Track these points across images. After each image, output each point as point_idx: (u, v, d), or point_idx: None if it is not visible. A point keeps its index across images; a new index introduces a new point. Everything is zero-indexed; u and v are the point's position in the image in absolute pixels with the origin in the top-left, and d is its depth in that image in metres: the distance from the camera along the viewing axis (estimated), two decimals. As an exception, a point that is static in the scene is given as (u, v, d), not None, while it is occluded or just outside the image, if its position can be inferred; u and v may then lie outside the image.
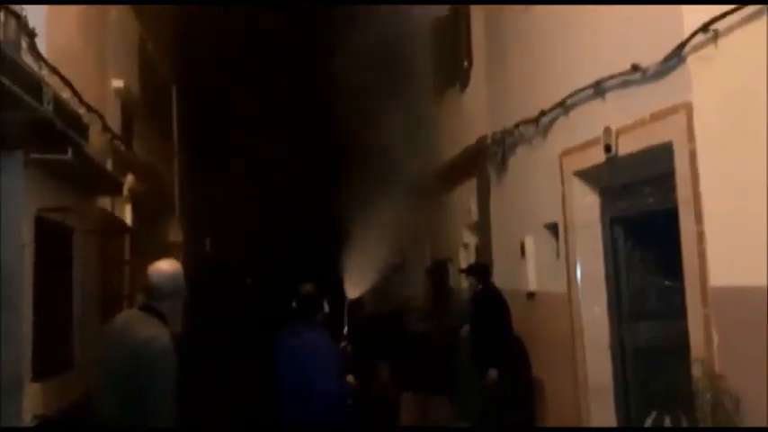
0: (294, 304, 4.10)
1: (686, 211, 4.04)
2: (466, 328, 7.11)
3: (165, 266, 3.38)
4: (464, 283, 8.34)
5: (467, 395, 7.63)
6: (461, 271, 7.82)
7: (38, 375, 4.51)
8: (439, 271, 9.98)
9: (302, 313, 4.10)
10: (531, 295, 6.61)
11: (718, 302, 3.87)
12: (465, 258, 8.79)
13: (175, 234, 10.98)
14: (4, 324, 3.77)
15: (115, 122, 7.08)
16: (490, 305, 6.71)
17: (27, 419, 4.19)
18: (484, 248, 7.97)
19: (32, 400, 4.34)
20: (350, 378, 4.31)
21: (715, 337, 3.87)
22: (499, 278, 7.07)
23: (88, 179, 5.29)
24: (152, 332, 3.17)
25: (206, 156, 12.94)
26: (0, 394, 3.84)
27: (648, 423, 3.91)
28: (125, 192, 7.28)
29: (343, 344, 4.51)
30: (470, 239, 8.75)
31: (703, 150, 3.91)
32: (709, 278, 3.90)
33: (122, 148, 7.33)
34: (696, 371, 3.88)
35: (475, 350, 6.81)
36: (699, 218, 3.93)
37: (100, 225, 6.23)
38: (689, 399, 3.90)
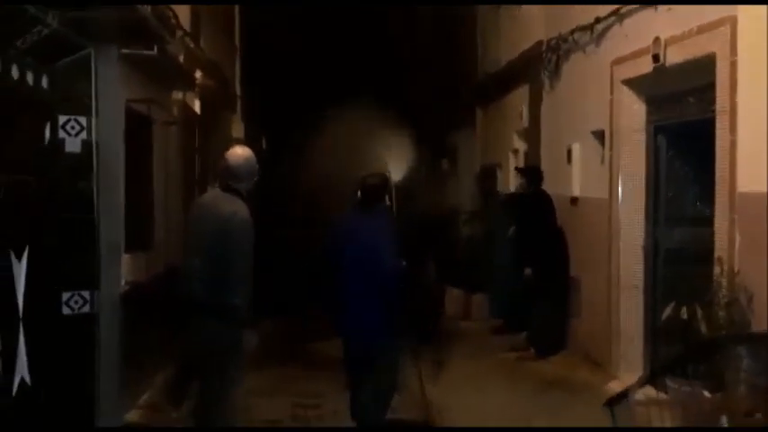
0: (359, 194, 4.26)
1: (722, 121, 4.28)
2: (513, 230, 7.48)
3: (241, 152, 3.89)
4: (512, 186, 8.66)
5: (503, 294, 8.16)
6: (516, 169, 8.12)
7: (127, 248, 5.13)
8: (487, 176, 10.31)
9: (365, 203, 4.25)
10: (573, 200, 6.94)
11: (745, 207, 4.17)
12: (514, 164, 9.05)
13: (237, 130, 11.52)
14: (105, 198, 4.34)
15: (185, 20, 7.43)
16: (538, 204, 7.06)
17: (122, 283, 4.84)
18: (532, 154, 8.23)
19: (123, 269, 4.97)
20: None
21: (737, 239, 4.21)
22: (545, 183, 7.35)
23: (168, 74, 5.77)
24: (234, 207, 3.73)
25: (266, 56, 13.25)
26: (102, 259, 4.44)
27: (667, 312, 4.31)
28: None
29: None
30: (520, 145, 8.97)
31: (744, 63, 4.10)
32: (738, 185, 4.19)
33: (192, 45, 7.72)
34: (717, 268, 4.24)
35: (518, 248, 7.23)
36: (733, 127, 4.18)
37: (177, 117, 6.76)
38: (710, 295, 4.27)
